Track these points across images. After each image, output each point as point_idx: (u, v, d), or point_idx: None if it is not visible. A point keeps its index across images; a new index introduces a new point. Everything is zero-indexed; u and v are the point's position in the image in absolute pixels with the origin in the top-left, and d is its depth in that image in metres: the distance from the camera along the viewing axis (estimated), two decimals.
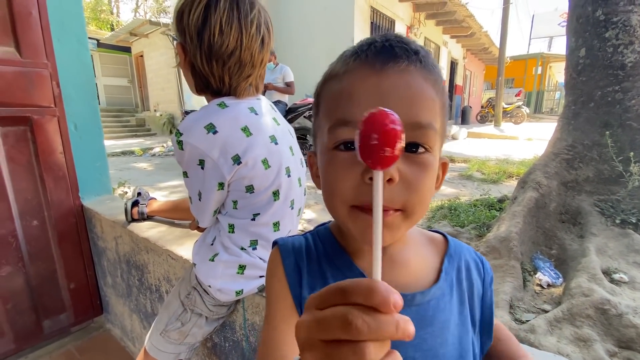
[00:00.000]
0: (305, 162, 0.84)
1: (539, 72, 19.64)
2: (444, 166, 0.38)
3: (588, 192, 1.59)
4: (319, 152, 0.37)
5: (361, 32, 7.35)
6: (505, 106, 13.81)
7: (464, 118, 14.59)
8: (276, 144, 0.73)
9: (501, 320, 1.21)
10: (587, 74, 1.69)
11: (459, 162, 5.61)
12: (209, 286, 0.71)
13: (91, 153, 1.64)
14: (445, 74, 12.88)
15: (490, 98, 15.76)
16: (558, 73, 23.88)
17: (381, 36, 0.34)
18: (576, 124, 1.75)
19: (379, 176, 0.21)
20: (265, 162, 0.70)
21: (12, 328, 1.44)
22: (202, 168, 0.67)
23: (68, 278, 1.58)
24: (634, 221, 1.55)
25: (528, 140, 9.03)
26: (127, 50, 12.53)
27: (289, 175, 0.75)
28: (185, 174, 0.71)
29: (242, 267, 0.71)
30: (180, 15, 0.68)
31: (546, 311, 1.27)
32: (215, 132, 0.65)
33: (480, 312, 0.41)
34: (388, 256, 0.38)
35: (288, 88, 5.02)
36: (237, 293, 0.71)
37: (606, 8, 1.63)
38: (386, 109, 0.21)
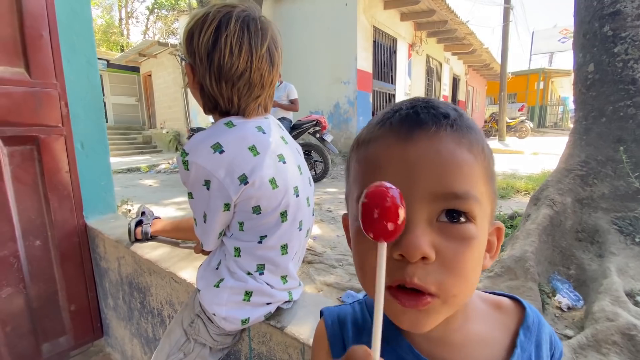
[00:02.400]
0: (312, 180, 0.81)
1: (541, 86, 19.75)
2: (498, 232, 0.33)
3: (604, 210, 1.54)
4: (350, 219, 0.34)
5: (364, 51, 7.49)
6: (509, 121, 13.82)
7: None
8: (284, 162, 0.71)
9: None
10: (596, 89, 1.67)
11: None
12: (214, 314, 0.67)
13: (97, 171, 1.63)
14: (448, 90, 13.00)
15: (493, 113, 15.82)
16: (560, 88, 24.01)
17: (408, 101, 0.32)
18: (588, 140, 1.72)
19: (382, 248, 0.22)
20: (272, 181, 0.67)
21: (11, 352, 1.39)
22: (208, 189, 0.64)
23: (69, 300, 1.54)
24: None
25: (534, 154, 8.97)
26: (135, 70, 12.88)
27: (297, 195, 0.72)
28: (190, 195, 0.68)
29: (248, 294, 0.67)
30: (191, 37, 0.67)
31: (569, 337, 1.20)
32: (221, 152, 0.63)
33: None
34: (437, 338, 0.33)
35: (292, 105, 5.07)
36: (243, 322, 0.67)
37: (614, 24, 1.62)
38: (386, 184, 0.22)
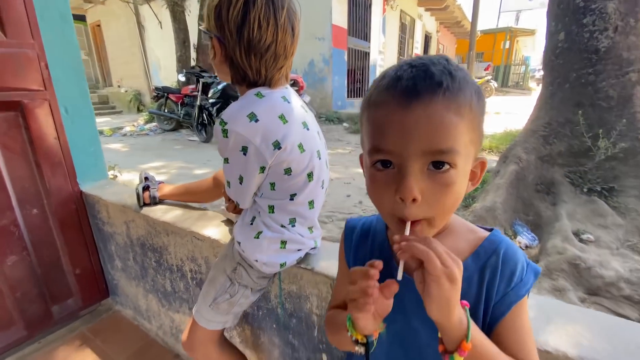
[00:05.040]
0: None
1: (507, 46, 20.20)
2: (482, 165, 0.43)
3: (560, 165, 1.78)
4: (364, 160, 0.44)
5: (339, 4, 7.17)
6: (476, 80, 14.22)
7: None
8: (308, 129, 0.79)
9: None
10: (564, 57, 1.83)
11: None
12: (256, 261, 0.77)
13: (85, 138, 1.59)
14: (420, 48, 12.94)
15: None
16: (524, 47, 24.66)
17: (410, 68, 0.38)
18: (552, 104, 1.92)
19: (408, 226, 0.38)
20: (300, 146, 0.75)
21: (23, 316, 1.44)
22: (245, 154, 0.71)
23: (73, 264, 1.57)
24: (598, 189, 1.77)
25: (496, 114, 9.46)
26: (81, 18, 11.41)
27: (319, 158, 0.81)
28: (226, 160, 0.75)
29: (283, 242, 0.78)
30: (219, 12, 0.69)
31: None
32: (256, 121, 0.70)
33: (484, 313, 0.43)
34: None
35: None
36: (281, 265, 0.79)
37: None
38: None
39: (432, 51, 14.72)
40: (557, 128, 1.88)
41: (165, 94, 6.27)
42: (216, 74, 0.85)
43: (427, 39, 14.00)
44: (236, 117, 0.70)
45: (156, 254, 1.28)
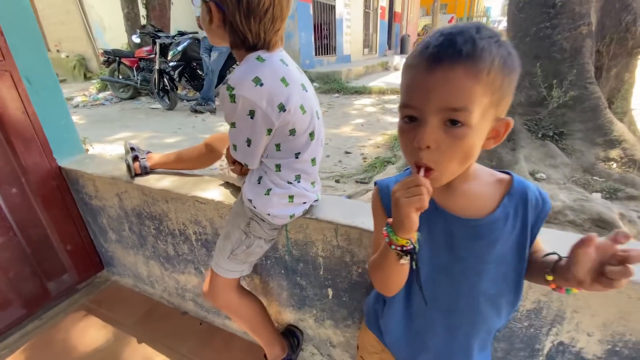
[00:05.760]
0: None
1: None
2: (507, 125, 0.48)
3: (520, 114, 1.96)
4: (399, 117, 0.50)
5: None
6: None
7: (402, 47, 14.78)
8: (306, 91, 0.84)
9: None
10: (526, 11, 1.93)
11: None
12: (268, 214, 0.86)
13: (53, 110, 1.50)
14: (386, 1, 12.53)
15: (426, 25, 16.00)
16: None
17: (438, 36, 0.44)
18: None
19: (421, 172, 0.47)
20: (302, 107, 0.81)
21: (19, 295, 1.45)
22: (252, 117, 0.76)
23: (63, 240, 1.57)
24: (551, 134, 2.00)
25: None
26: None
27: (318, 118, 0.87)
28: (232, 125, 0.79)
29: (291, 197, 0.87)
30: None
31: None
32: (261, 85, 0.74)
33: (530, 239, 0.54)
34: (452, 188, 0.53)
35: None
36: (291, 217, 0.88)
37: None
38: None
39: (398, 4, 14.30)
40: (519, 80, 2.03)
41: (117, 58, 5.72)
42: (208, 37, 0.85)
43: None
44: (242, 82, 0.73)
45: (155, 222, 1.32)
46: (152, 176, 1.30)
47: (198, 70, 5.21)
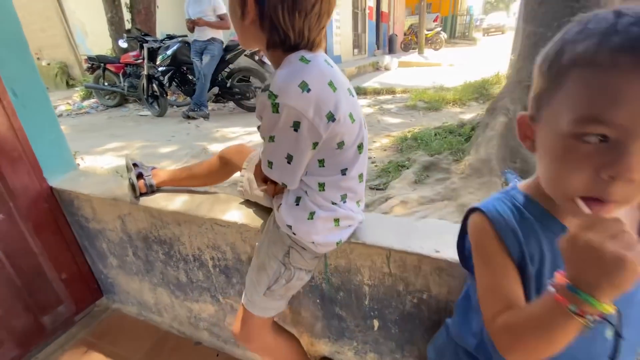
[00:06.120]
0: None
1: None
2: None
3: None
4: (545, 129, 0.39)
5: None
6: (426, 32, 14.28)
7: (390, 47, 14.81)
8: (352, 96, 0.72)
9: None
10: (546, 6, 1.86)
11: (399, 93, 5.89)
12: (312, 242, 0.73)
13: (42, 124, 1.34)
14: (373, 1, 12.53)
15: (412, 25, 16.06)
16: None
17: (635, 19, 0.32)
18: (537, 53, 1.97)
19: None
20: (350, 116, 0.69)
21: (11, 334, 1.29)
22: (296, 130, 0.63)
23: (57, 269, 1.41)
24: None
25: (450, 66, 9.74)
26: None
27: (365, 127, 0.76)
28: (271, 139, 0.66)
29: (337, 220, 0.74)
30: None
31: None
32: (309, 90, 0.61)
33: None
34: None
35: (222, 22, 4.42)
36: (338, 243, 0.76)
37: None
38: None
39: (384, 4, 14.31)
40: None
41: (102, 65, 5.48)
42: (237, 39, 0.72)
43: None
44: (287, 88, 0.61)
45: (165, 247, 1.18)
46: (159, 195, 1.15)
47: (188, 75, 5.03)
